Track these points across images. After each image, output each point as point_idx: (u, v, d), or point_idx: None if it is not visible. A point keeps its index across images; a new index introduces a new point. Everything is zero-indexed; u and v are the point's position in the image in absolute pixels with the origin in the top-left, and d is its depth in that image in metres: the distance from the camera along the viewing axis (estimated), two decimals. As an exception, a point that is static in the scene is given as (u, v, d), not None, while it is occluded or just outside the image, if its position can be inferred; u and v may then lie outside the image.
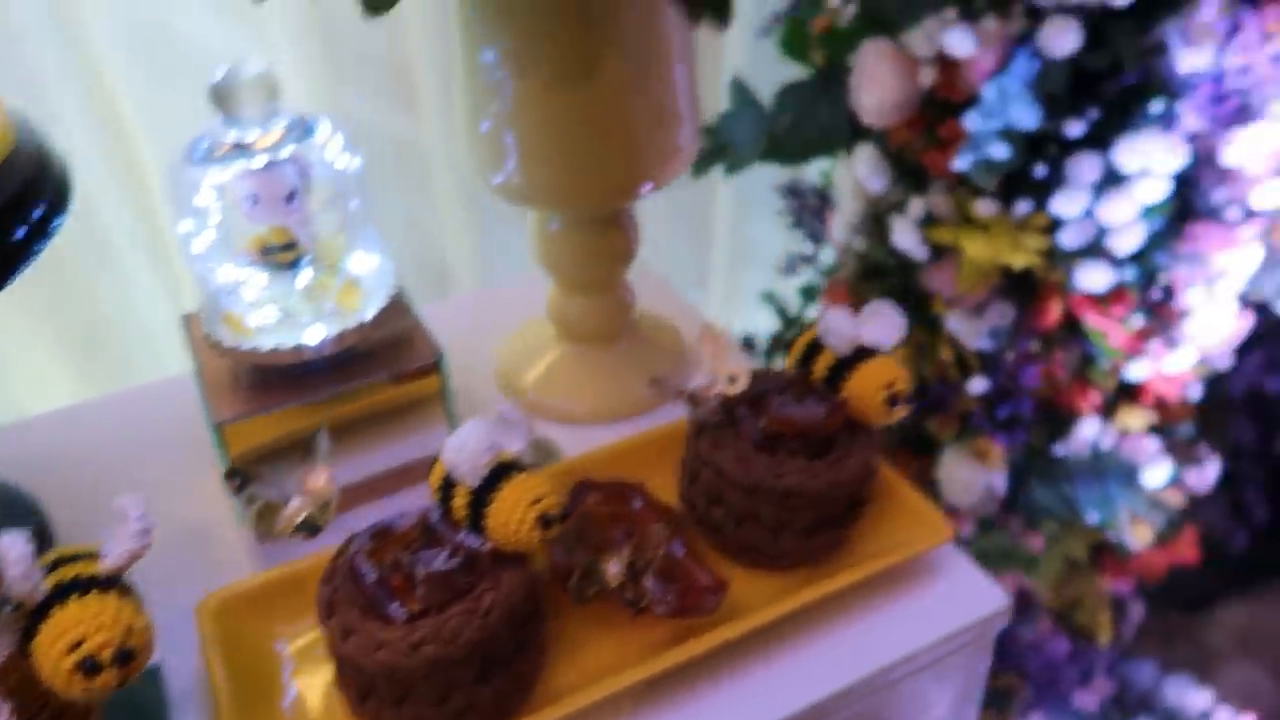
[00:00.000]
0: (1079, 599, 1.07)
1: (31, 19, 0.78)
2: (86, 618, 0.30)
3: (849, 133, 0.88)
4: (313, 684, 0.40)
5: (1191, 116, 0.70)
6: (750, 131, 0.88)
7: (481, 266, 1.06)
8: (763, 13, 0.92)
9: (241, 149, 0.43)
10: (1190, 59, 0.69)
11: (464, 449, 0.37)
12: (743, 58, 1.06)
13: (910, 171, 0.85)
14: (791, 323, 1.16)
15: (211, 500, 0.50)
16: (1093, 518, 0.92)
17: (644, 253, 0.56)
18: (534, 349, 0.59)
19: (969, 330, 0.88)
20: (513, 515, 0.36)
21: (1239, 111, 0.71)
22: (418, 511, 0.39)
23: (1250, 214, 0.77)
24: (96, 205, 0.86)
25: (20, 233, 0.36)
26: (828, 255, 1.06)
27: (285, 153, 0.43)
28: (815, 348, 0.45)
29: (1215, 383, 1.02)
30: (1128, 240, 0.75)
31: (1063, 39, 0.68)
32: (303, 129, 0.44)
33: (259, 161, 0.42)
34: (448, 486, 0.38)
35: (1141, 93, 0.71)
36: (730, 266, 1.24)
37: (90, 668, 0.30)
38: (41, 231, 0.37)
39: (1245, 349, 1.01)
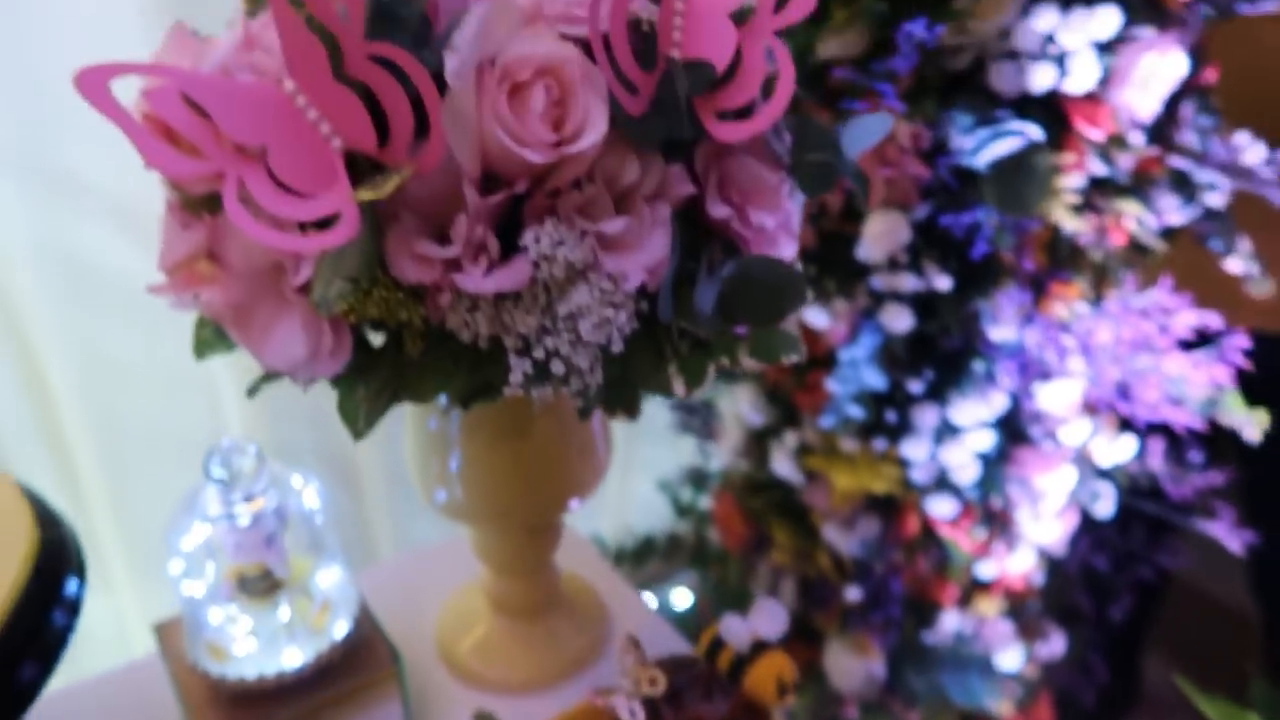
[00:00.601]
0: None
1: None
2: None
3: (730, 372, 1.01)
4: None
5: (1005, 376, 0.85)
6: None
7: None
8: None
9: (229, 512, 0.50)
10: (998, 332, 0.84)
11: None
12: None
13: (784, 407, 0.98)
14: (684, 511, 1.27)
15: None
16: (960, 699, 1.03)
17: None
18: (467, 620, 0.66)
19: (842, 540, 0.99)
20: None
21: (1042, 371, 0.86)
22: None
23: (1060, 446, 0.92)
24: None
25: (60, 617, 0.43)
26: (715, 462, 1.18)
27: (266, 507, 0.51)
28: (719, 642, 0.54)
29: (1054, 563, 1.16)
30: (967, 474, 0.89)
31: (899, 319, 0.82)
32: (283, 484, 0.52)
33: (244, 521, 0.50)
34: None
35: (965, 355, 0.86)
36: (624, 475, 1.34)
37: None
38: (76, 609, 0.44)
39: (1076, 533, 1.16)
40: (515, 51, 0.38)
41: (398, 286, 0.38)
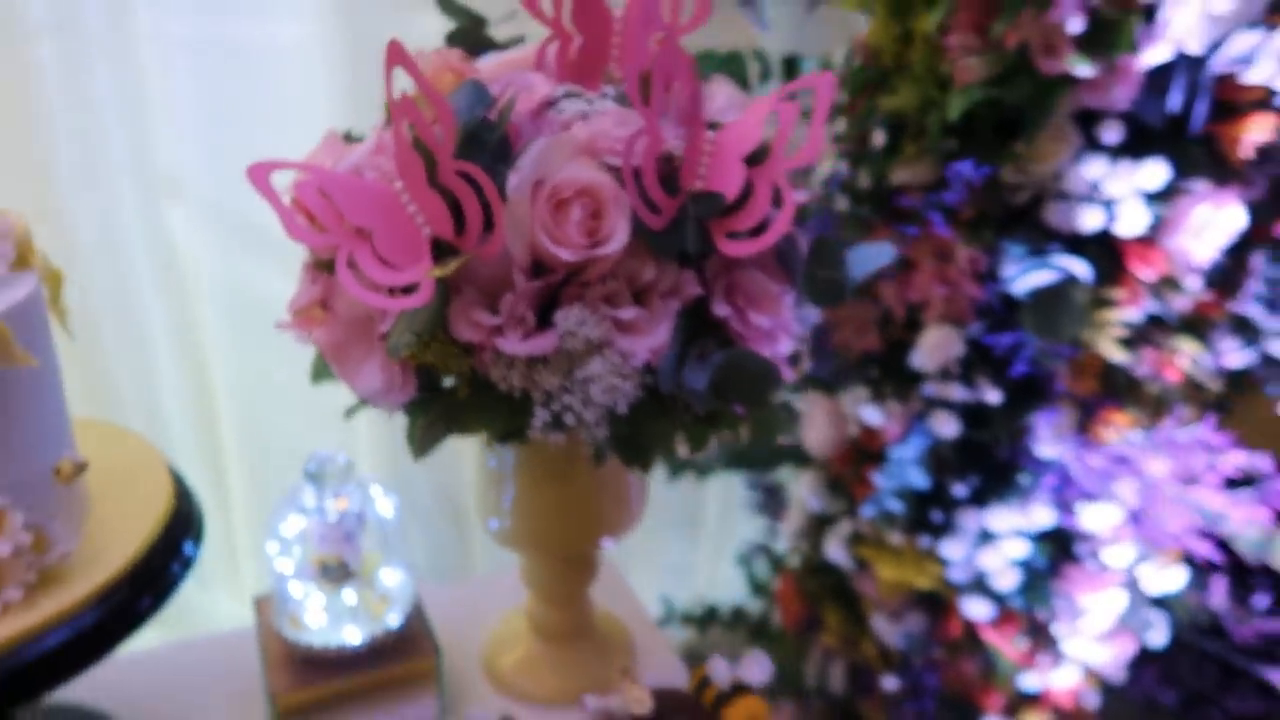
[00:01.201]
0: None
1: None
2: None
3: (797, 456, 1.09)
4: None
5: (1043, 491, 0.89)
6: (717, 449, 1.09)
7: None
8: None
9: (320, 507, 0.63)
10: (1044, 448, 0.89)
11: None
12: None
13: (843, 495, 1.05)
14: (759, 589, 1.33)
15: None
16: (991, 810, 1.05)
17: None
18: (511, 641, 0.76)
19: (889, 630, 1.04)
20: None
21: (1086, 492, 0.90)
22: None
23: (1105, 568, 0.95)
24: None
25: (176, 568, 0.56)
26: (782, 543, 1.24)
27: (350, 508, 0.63)
28: (707, 681, 0.63)
29: (1115, 692, 1.16)
30: (1005, 580, 0.93)
31: (946, 425, 0.89)
32: (364, 492, 0.64)
33: (332, 516, 0.62)
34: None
35: (1012, 466, 0.91)
36: (717, 548, 1.43)
37: None
38: (189, 563, 0.57)
39: (1141, 662, 1.16)
40: (563, 175, 0.50)
41: (454, 342, 0.50)
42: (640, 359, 0.51)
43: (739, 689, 0.62)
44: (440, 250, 0.50)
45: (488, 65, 0.59)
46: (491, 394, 0.52)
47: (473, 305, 0.51)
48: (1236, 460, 0.89)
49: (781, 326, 0.55)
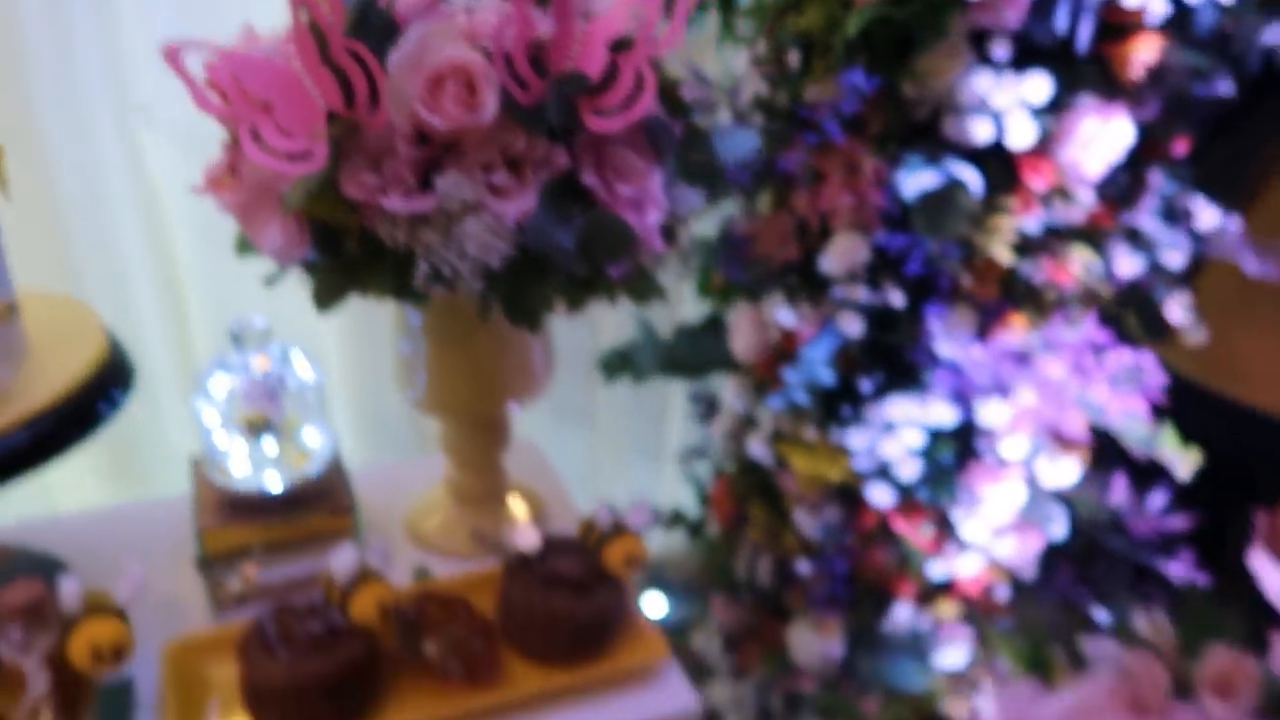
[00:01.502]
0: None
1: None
2: (102, 629, 0.55)
3: (727, 362, 1.15)
4: (230, 703, 0.64)
5: (946, 387, 0.96)
6: (651, 355, 1.16)
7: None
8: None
9: (245, 367, 0.70)
10: (947, 348, 0.95)
11: (341, 560, 0.62)
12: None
13: (765, 396, 1.11)
14: (705, 499, 1.41)
15: (187, 577, 0.75)
16: (896, 684, 1.13)
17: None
18: (433, 507, 0.84)
19: (808, 523, 1.12)
20: (364, 603, 0.61)
21: (987, 388, 0.97)
22: (309, 598, 0.63)
23: (1004, 461, 1.02)
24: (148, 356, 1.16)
25: (103, 407, 0.63)
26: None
27: (272, 368, 0.70)
28: (593, 526, 0.70)
29: (1029, 592, 1.23)
30: (906, 470, 1.00)
31: (852, 325, 0.96)
32: (284, 354, 0.72)
33: (256, 375, 0.69)
34: (328, 582, 0.63)
35: (915, 365, 0.98)
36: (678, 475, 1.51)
37: (99, 657, 0.55)
38: (116, 406, 0.64)
39: (1054, 563, 1.23)
40: (440, 55, 0.56)
41: (342, 200, 0.57)
42: (511, 219, 0.57)
43: (619, 530, 0.69)
44: (333, 122, 0.57)
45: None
46: (381, 252, 0.59)
47: (361, 169, 0.57)
48: (1121, 358, 0.95)
49: (648, 198, 0.62)
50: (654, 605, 1.35)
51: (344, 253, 0.60)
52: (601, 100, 0.59)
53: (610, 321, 1.42)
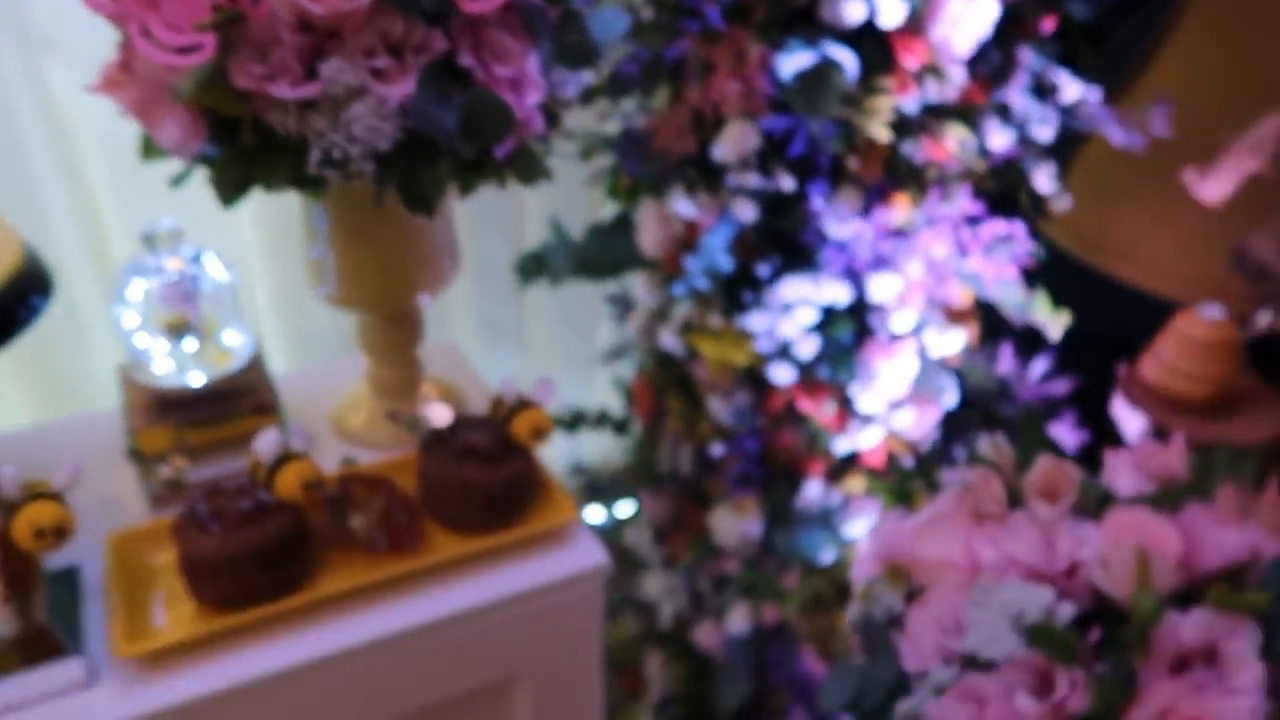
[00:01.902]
0: (830, 629, 1.35)
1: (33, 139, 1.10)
2: (42, 510, 0.59)
3: (637, 260, 1.20)
4: (171, 584, 0.68)
5: (837, 266, 1.02)
6: (564, 257, 1.20)
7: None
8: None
9: (160, 269, 0.72)
10: (835, 228, 1.01)
11: (264, 441, 0.66)
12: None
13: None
14: (629, 398, 1.46)
15: (124, 478, 0.78)
16: (806, 554, 1.21)
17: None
18: (358, 404, 0.88)
19: (721, 409, 1.18)
20: (288, 480, 0.65)
21: (874, 264, 1.03)
22: (236, 476, 0.67)
23: (896, 336, 1.09)
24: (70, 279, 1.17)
25: (22, 313, 0.66)
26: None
27: (185, 269, 0.73)
28: (500, 400, 0.75)
29: (931, 461, 1.32)
30: (805, 349, 1.06)
31: (746, 211, 1.01)
32: (197, 256, 0.74)
33: (170, 277, 0.72)
34: (255, 464, 0.67)
35: (806, 246, 1.03)
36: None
37: (41, 535, 0.58)
38: (35, 311, 0.66)
39: (955, 433, 1.31)
40: (315, -58, 0.59)
41: (231, 89, 0.59)
42: (395, 102, 0.61)
43: (525, 404, 0.74)
44: (219, 14, 0.59)
45: None
46: (275, 142, 0.62)
47: (249, 59, 0.60)
48: (995, 228, 1.02)
49: (525, 79, 0.65)
50: (594, 516, 1.42)
51: (240, 144, 0.63)
52: (476, -15, 0.62)
53: (534, 235, 1.45)
